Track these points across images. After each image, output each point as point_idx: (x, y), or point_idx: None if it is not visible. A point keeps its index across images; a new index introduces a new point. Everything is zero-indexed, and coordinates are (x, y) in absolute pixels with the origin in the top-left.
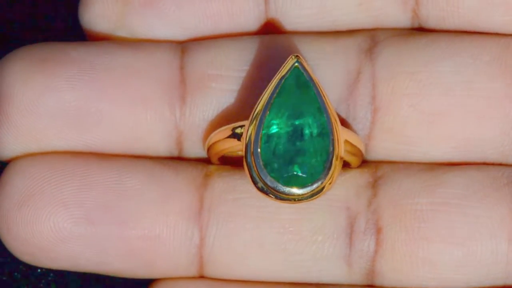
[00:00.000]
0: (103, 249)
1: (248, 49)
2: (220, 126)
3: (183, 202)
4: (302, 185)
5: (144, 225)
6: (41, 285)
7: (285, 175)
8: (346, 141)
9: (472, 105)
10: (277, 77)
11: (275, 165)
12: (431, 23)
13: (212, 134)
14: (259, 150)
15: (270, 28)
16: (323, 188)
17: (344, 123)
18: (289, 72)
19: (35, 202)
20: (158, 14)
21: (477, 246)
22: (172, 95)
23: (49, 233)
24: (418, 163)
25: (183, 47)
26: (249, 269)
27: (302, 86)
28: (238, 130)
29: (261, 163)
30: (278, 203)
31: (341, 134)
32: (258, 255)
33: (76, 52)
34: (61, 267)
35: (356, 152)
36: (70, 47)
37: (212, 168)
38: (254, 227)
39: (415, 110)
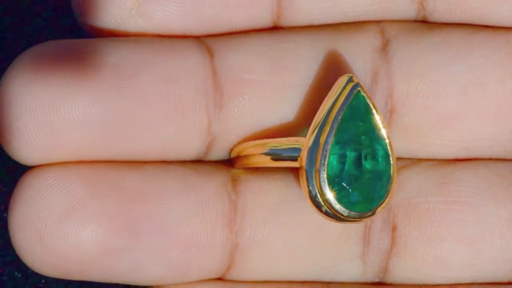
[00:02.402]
0: (143, 260)
1: (275, 53)
2: (254, 136)
3: (218, 209)
4: (367, 210)
5: (185, 234)
6: (41, 285)
7: (351, 199)
8: None
9: (484, 107)
10: (339, 100)
11: (339, 190)
12: (437, 16)
13: (245, 146)
14: (325, 173)
15: (283, 22)
16: (382, 204)
17: None
18: (351, 97)
19: (78, 215)
20: (177, 2)
21: (486, 245)
22: (209, 102)
23: (94, 247)
24: (426, 159)
25: (208, 48)
26: (275, 274)
27: (364, 111)
28: (274, 147)
29: (327, 186)
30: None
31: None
32: (289, 260)
33: (114, 59)
34: (89, 279)
35: None
36: (105, 49)
37: (236, 172)
38: (286, 233)
39: (430, 112)
